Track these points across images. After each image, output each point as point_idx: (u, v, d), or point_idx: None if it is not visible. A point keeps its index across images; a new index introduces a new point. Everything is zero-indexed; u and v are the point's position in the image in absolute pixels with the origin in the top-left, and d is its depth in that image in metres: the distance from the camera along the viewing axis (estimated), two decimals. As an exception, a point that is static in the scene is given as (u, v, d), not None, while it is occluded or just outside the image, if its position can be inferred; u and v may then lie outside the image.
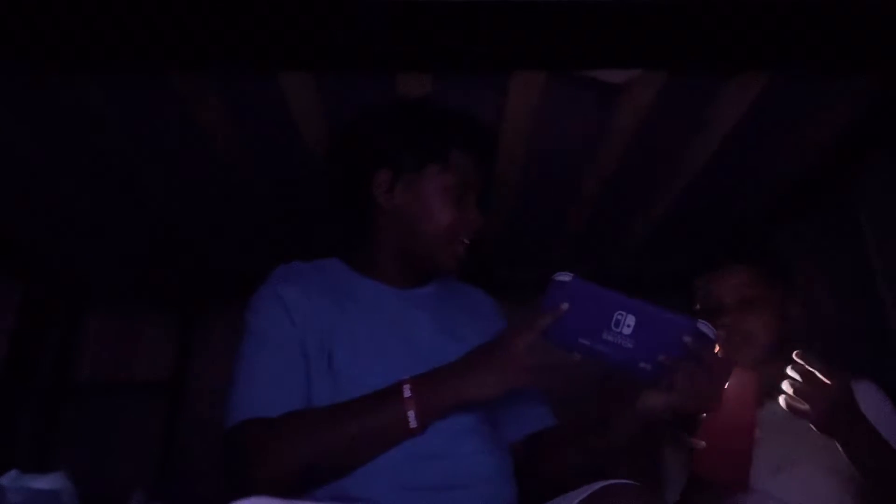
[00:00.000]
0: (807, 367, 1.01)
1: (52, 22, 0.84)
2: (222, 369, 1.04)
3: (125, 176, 1.42)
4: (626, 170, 1.43)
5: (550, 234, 1.74)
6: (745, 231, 1.71)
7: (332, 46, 0.89)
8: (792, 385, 1.01)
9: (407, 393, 0.89)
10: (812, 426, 1.02)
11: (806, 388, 1.00)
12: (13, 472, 0.81)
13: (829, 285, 1.60)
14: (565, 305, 0.85)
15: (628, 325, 0.84)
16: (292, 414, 0.91)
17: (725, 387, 0.95)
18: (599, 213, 1.62)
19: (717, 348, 0.86)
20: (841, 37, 0.89)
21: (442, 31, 0.88)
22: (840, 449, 1.04)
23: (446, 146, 1.08)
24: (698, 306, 1.29)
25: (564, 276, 0.87)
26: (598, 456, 0.99)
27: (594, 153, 1.39)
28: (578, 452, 1.01)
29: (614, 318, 0.84)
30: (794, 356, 1.02)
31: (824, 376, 1.00)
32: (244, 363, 0.97)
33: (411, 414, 0.88)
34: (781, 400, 1.01)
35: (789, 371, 1.02)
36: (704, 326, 0.84)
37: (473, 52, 0.91)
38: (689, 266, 1.95)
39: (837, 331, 1.54)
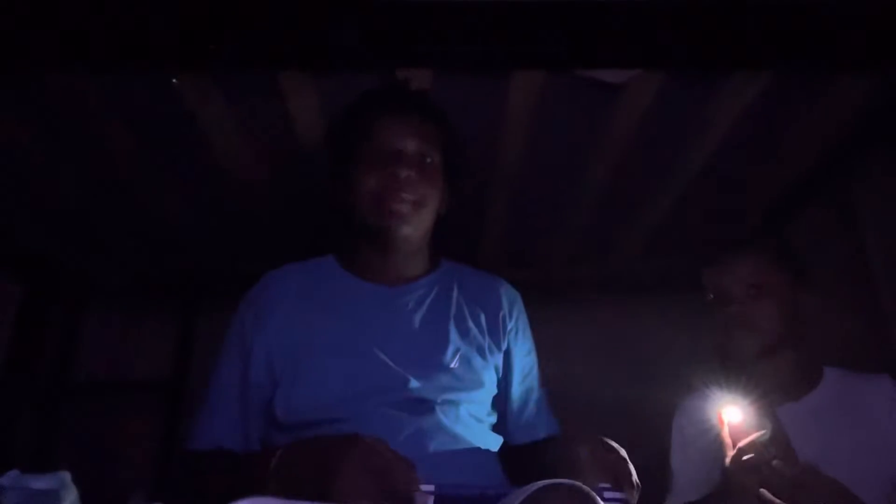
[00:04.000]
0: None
1: (52, 22, 0.84)
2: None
3: (125, 176, 1.42)
4: (626, 169, 1.43)
5: (551, 233, 1.74)
6: (743, 231, 1.71)
7: (332, 46, 0.89)
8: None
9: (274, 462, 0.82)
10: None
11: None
12: (13, 472, 0.81)
13: (828, 284, 1.60)
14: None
15: None
16: (207, 460, 0.97)
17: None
18: (599, 212, 1.62)
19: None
20: (841, 37, 0.89)
21: (442, 31, 0.88)
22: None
23: (360, 120, 1.09)
24: (711, 296, 1.29)
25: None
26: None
27: (594, 153, 1.39)
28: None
29: None
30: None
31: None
32: (206, 389, 1.06)
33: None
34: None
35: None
36: None
37: (473, 52, 0.91)
38: (688, 266, 1.95)
39: (836, 330, 1.54)
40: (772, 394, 1.21)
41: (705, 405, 1.27)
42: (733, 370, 1.27)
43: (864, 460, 1.10)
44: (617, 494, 0.79)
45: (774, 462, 0.99)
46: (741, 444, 1.01)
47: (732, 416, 1.05)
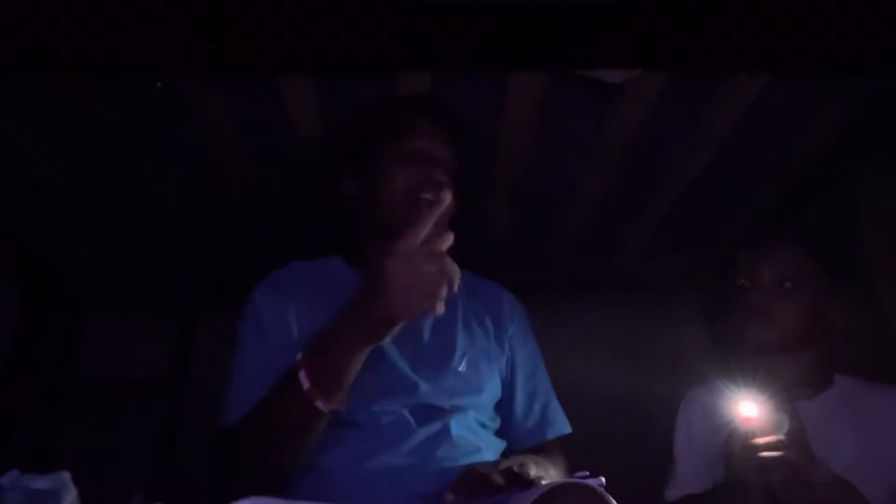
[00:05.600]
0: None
1: (52, 22, 0.84)
2: (222, 369, 1.05)
3: (125, 176, 1.42)
4: (626, 170, 1.43)
5: (550, 234, 1.74)
6: (743, 231, 1.71)
7: (332, 46, 0.89)
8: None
9: (305, 385, 0.84)
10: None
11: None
12: (13, 472, 0.81)
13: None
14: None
15: None
16: (242, 420, 0.94)
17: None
18: (599, 213, 1.62)
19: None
20: (841, 37, 0.89)
21: (442, 31, 0.88)
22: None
23: (395, 119, 1.11)
24: (742, 280, 1.27)
25: None
26: None
27: (594, 153, 1.39)
28: None
29: None
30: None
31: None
32: (231, 373, 1.02)
33: (319, 403, 0.84)
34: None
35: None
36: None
37: (473, 52, 0.91)
38: (689, 266, 1.95)
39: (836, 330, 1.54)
40: (781, 391, 1.22)
41: (713, 398, 1.27)
42: (744, 362, 1.27)
43: (867, 466, 1.09)
44: (598, 481, 0.78)
45: (791, 460, 0.98)
46: (757, 440, 1.00)
47: (749, 409, 1.03)
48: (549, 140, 1.34)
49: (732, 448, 1.04)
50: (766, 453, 0.98)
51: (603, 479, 0.76)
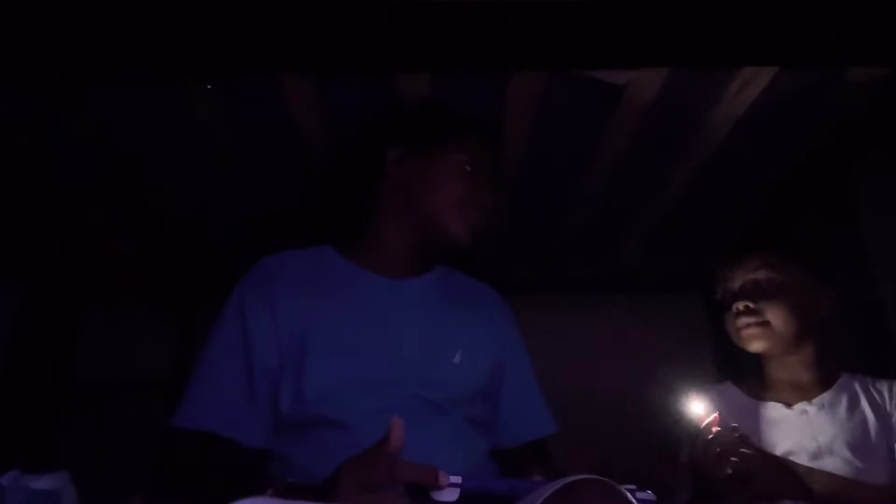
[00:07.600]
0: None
1: (52, 23, 0.84)
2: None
3: (125, 175, 1.42)
4: (626, 169, 1.43)
5: (550, 233, 1.74)
6: (743, 231, 1.72)
7: (332, 46, 0.89)
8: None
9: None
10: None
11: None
12: (13, 472, 0.81)
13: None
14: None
15: None
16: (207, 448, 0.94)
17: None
18: (599, 212, 1.62)
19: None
20: (842, 34, 0.89)
21: (442, 31, 0.88)
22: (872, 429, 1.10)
23: (462, 130, 1.12)
24: (717, 294, 1.27)
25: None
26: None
27: (594, 153, 1.39)
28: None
29: None
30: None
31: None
32: (199, 372, 1.02)
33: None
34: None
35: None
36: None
37: (473, 52, 0.91)
38: (688, 266, 1.95)
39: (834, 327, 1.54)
40: (785, 392, 1.22)
41: (716, 400, 1.28)
42: (747, 363, 1.27)
43: (872, 459, 1.10)
44: (646, 495, 0.78)
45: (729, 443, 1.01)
46: (713, 430, 1.04)
47: (698, 407, 1.08)
48: (549, 140, 1.34)
49: (694, 445, 1.07)
50: (719, 439, 1.03)
51: (652, 494, 0.76)
